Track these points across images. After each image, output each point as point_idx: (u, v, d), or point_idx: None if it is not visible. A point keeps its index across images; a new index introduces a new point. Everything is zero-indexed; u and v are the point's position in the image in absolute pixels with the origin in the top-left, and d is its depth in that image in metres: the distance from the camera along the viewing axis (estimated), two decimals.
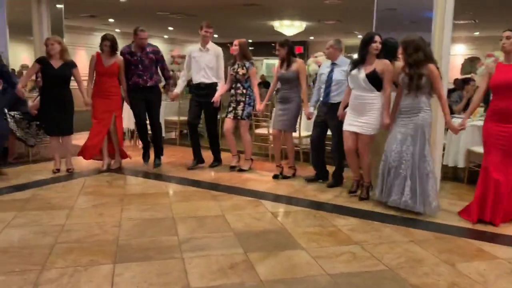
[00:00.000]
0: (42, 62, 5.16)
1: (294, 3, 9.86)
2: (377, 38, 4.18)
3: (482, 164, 3.98)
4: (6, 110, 5.45)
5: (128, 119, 6.71)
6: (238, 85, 5.51)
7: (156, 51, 5.63)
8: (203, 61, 5.58)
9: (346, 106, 4.48)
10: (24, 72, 7.68)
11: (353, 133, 4.36)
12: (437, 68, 3.90)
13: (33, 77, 6.01)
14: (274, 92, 5.89)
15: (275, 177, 5.29)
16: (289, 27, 12.79)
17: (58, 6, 7.79)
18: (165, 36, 18.05)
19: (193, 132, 5.77)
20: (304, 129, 6.14)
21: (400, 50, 4.02)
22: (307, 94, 5.18)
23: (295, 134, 5.51)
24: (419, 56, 3.83)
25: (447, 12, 4.47)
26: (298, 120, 5.49)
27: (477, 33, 14.79)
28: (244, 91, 5.49)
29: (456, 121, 4.23)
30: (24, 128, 5.78)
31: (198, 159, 5.81)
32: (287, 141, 5.31)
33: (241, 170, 5.59)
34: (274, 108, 5.94)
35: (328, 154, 5.16)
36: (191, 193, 4.66)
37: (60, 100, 5.21)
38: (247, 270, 2.86)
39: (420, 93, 3.90)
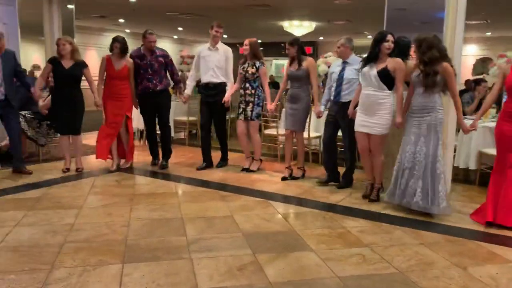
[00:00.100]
0: (54, 62, 5.20)
1: (303, 3, 9.83)
2: (389, 37, 4.14)
3: (494, 166, 3.92)
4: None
5: (137, 119, 6.73)
6: (247, 85, 5.49)
7: (165, 55, 5.64)
8: (212, 61, 5.58)
9: (357, 105, 4.45)
10: (35, 72, 7.77)
11: (365, 134, 4.33)
12: (451, 66, 3.86)
13: None
14: (283, 92, 5.87)
15: (284, 179, 5.26)
16: (298, 27, 12.76)
17: (69, 6, 7.85)
18: (175, 37, 18.12)
19: (205, 135, 5.76)
20: (314, 130, 6.11)
21: (413, 48, 3.98)
22: (318, 93, 5.15)
23: (304, 135, 5.49)
24: (434, 54, 3.79)
25: (459, 12, 4.43)
26: (308, 120, 5.46)
27: (489, 34, 14.63)
28: (253, 91, 5.48)
29: (467, 122, 4.17)
30: (35, 128, 5.83)
31: (208, 163, 5.80)
32: (298, 142, 5.28)
33: (250, 171, 5.58)
34: (283, 109, 5.93)
35: (339, 154, 5.13)
36: (200, 194, 4.66)
37: (71, 100, 5.25)
38: (255, 272, 2.84)
39: (434, 91, 3.86)
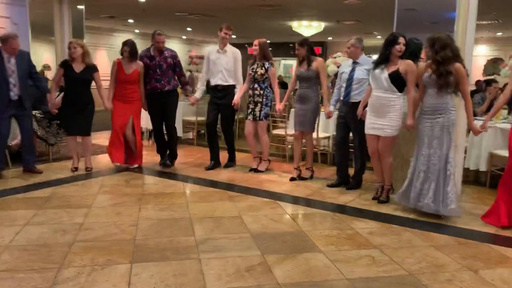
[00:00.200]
0: (65, 66, 5.25)
1: (312, 4, 9.79)
2: (401, 39, 4.10)
3: (506, 167, 3.87)
4: None
5: (146, 119, 6.75)
6: (256, 85, 5.48)
7: (174, 56, 5.66)
8: (221, 63, 5.58)
9: (366, 105, 4.42)
10: (46, 72, 7.82)
11: (375, 136, 4.30)
12: (464, 67, 3.81)
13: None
14: (292, 92, 5.85)
15: (292, 179, 5.25)
16: (307, 28, 12.72)
17: (79, 7, 7.90)
18: (183, 37, 18.16)
19: (211, 134, 5.78)
20: (322, 130, 6.09)
21: (425, 47, 3.94)
22: (327, 93, 5.13)
23: (313, 135, 5.46)
24: (447, 54, 3.75)
25: (470, 12, 4.37)
26: (317, 121, 5.43)
27: (500, 34, 14.47)
28: (262, 91, 5.47)
29: (478, 123, 4.12)
30: (45, 127, 5.87)
31: (216, 162, 5.81)
32: (307, 142, 5.26)
33: (258, 171, 5.57)
34: (292, 109, 5.91)
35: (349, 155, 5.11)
36: (208, 194, 4.65)
37: (81, 102, 5.30)
38: (264, 273, 2.83)
39: (446, 92, 3.82)
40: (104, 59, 14.08)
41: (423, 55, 4.37)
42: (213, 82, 5.65)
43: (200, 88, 5.89)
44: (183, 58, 6.07)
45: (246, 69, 5.68)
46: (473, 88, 7.95)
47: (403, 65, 4.11)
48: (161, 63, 5.52)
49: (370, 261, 3.04)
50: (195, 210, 4.07)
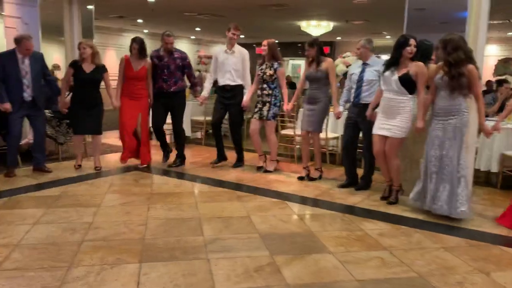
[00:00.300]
0: (75, 66, 5.28)
1: (321, 3, 9.75)
2: (412, 41, 4.06)
3: None
4: None
5: None
6: (265, 85, 5.47)
7: (184, 57, 5.66)
8: (229, 64, 5.59)
9: (376, 107, 4.39)
10: (56, 72, 7.87)
11: (382, 137, 4.27)
12: (477, 68, 3.77)
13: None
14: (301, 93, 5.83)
15: (301, 178, 5.23)
16: (316, 28, 12.68)
17: (89, 7, 7.93)
18: (192, 37, 18.20)
19: (216, 132, 5.82)
20: (331, 131, 6.06)
21: (436, 49, 3.91)
22: (337, 94, 5.10)
23: (322, 136, 5.44)
24: (459, 55, 3.71)
25: (482, 11, 4.32)
26: (325, 121, 5.41)
27: (510, 34, 14.32)
28: (270, 91, 5.45)
29: (489, 123, 4.07)
30: (55, 126, 5.91)
31: (222, 157, 5.86)
32: (314, 143, 5.24)
33: (266, 171, 5.56)
34: (300, 109, 5.89)
35: (357, 156, 5.07)
36: (217, 193, 4.65)
37: (90, 102, 5.33)
38: (273, 273, 2.82)
39: (459, 94, 3.78)
40: (113, 59, 14.14)
41: (433, 56, 4.33)
42: (221, 82, 5.66)
43: (207, 87, 5.90)
44: (191, 58, 6.07)
45: (254, 69, 5.68)
46: (484, 88, 7.88)
47: (414, 67, 4.07)
48: (169, 64, 5.53)
49: (380, 263, 3.02)
50: (203, 210, 4.06)
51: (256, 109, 5.54)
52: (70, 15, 7.51)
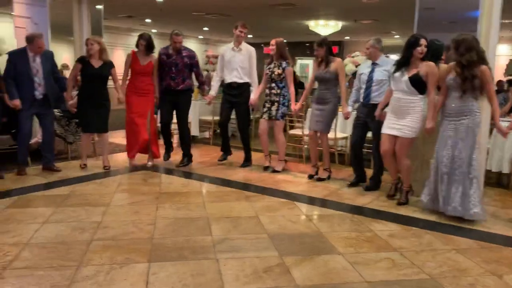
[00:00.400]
0: (83, 62, 5.29)
1: (330, 3, 9.70)
2: (422, 41, 4.02)
3: None
4: None
5: None
6: (273, 85, 5.45)
7: (192, 56, 5.66)
8: (236, 61, 5.58)
9: (385, 106, 4.36)
10: (65, 71, 7.91)
11: (391, 136, 4.23)
12: (489, 69, 3.72)
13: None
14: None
15: (310, 177, 5.22)
16: (324, 27, 12.63)
17: (98, 7, 7.96)
18: (200, 37, 18.22)
19: (223, 131, 5.87)
20: (340, 131, 6.02)
21: (449, 48, 3.86)
22: (346, 94, 5.07)
23: (330, 136, 5.40)
24: (472, 56, 3.66)
25: (494, 10, 4.27)
26: (334, 121, 5.38)
27: None
28: (279, 91, 5.43)
29: (503, 124, 4.02)
30: (64, 126, 5.93)
31: (227, 151, 5.95)
32: (322, 143, 5.21)
33: (274, 171, 5.54)
34: (309, 109, 5.86)
35: (365, 156, 5.04)
36: (225, 193, 4.64)
37: (98, 99, 5.34)
38: (282, 274, 2.80)
39: (470, 95, 3.73)
40: (121, 58, 14.06)
41: (443, 56, 4.29)
42: (228, 79, 5.65)
43: (214, 86, 5.90)
44: (199, 58, 6.07)
45: (261, 68, 5.66)
46: (495, 88, 7.80)
47: (424, 67, 4.03)
48: (177, 62, 5.53)
49: (390, 264, 2.99)
50: (212, 210, 4.05)
51: (265, 109, 5.53)
52: (79, 14, 7.54)
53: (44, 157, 5.34)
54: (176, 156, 5.96)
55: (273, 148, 5.71)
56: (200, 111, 7.53)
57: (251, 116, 5.96)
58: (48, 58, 5.16)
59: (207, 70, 8.94)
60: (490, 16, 4.26)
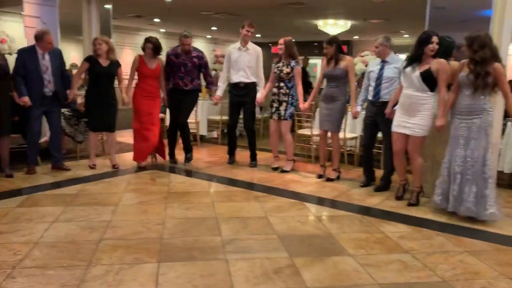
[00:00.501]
0: (90, 60, 5.30)
1: (339, 2, 9.65)
2: (434, 38, 3.97)
3: None
4: None
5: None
6: (282, 84, 5.42)
7: (201, 57, 5.66)
8: (243, 61, 5.57)
9: (395, 104, 4.31)
10: (74, 71, 7.94)
11: (402, 135, 4.19)
12: (503, 66, 3.67)
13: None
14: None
15: (320, 177, 5.18)
16: (333, 26, 12.56)
17: (107, 6, 7.98)
18: (208, 36, 18.22)
19: (231, 133, 5.86)
20: (350, 131, 5.97)
21: (457, 47, 3.82)
22: (355, 93, 5.03)
23: (340, 136, 5.36)
24: (486, 54, 3.61)
25: (507, 9, 4.21)
26: (344, 121, 5.34)
27: None
28: (288, 90, 5.40)
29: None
30: (73, 125, 5.95)
31: (233, 156, 5.98)
32: (333, 143, 5.17)
33: (283, 171, 5.51)
34: (317, 109, 5.83)
35: (374, 156, 5.00)
36: (233, 193, 4.62)
37: (106, 98, 5.36)
38: (292, 276, 2.77)
39: (483, 93, 3.68)
40: (129, 58, 14.07)
41: (454, 54, 4.24)
42: (235, 79, 5.63)
43: (221, 86, 5.88)
44: (208, 57, 6.06)
45: (269, 67, 5.63)
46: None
47: (435, 64, 3.98)
48: (186, 62, 5.53)
49: (402, 266, 2.95)
50: (221, 210, 4.04)
51: (273, 109, 5.50)
52: (88, 14, 7.56)
53: (53, 156, 5.35)
54: (180, 156, 5.97)
55: (281, 147, 5.68)
56: (208, 111, 7.52)
57: (260, 116, 5.93)
58: (56, 55, 5.18)
59: (215, 70, 8.95)
60: (502, 15, 4.21)
